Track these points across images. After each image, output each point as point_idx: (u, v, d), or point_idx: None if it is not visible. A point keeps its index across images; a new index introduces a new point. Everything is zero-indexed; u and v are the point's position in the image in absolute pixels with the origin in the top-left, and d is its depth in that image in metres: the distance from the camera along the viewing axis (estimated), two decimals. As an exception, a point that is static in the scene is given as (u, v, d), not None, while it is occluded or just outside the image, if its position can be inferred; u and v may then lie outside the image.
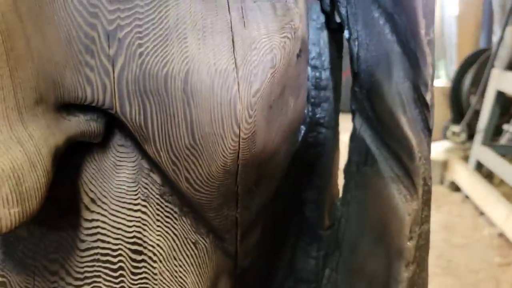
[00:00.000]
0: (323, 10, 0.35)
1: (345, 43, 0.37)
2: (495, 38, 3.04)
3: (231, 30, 0.26)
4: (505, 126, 2.66)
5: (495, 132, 2.65)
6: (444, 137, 2.97)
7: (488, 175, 2.53)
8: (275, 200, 0.34)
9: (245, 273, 0.32)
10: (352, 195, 0.35)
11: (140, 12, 0.26)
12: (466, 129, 2.78)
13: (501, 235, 2.01)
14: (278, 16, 0.27)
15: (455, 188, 2.56)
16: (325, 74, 0.37)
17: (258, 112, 0.26)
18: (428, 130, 0.29)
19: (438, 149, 2.79)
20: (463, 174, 2.48)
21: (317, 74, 0.36)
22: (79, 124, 0.26)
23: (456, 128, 2.83)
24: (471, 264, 1.82)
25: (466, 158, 2.65)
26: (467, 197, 2.42)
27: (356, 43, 0.33)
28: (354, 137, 0.34)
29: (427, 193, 0.29)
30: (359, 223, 0.33)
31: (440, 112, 3.17)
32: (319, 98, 0.36)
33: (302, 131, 0.35)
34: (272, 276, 0.37)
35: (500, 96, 2.40)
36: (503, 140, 2.65)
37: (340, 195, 0.37)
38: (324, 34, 0.36)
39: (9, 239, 0.27)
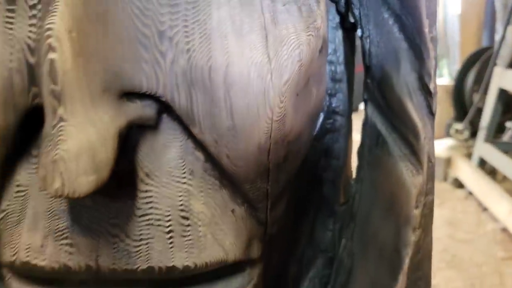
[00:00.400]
0: (338, 12, 0.39)
1: (357, 41, 0.41)
2: (497, 37, 3.07)
3: (265, 30, 0.30)
4: (508, 124, 2.70)
5: (498, 130, 2.69)
6: (448, 134, 3.01)
7: (491, 172, 2.57)
8: (297, 178, 0.39)
9: (272, 239, 0.37)
10: (365, 173, 0.39)
11: (187, 14, 0.30)
12: (469, 127, 2.81)
13: (504, 230, 2.05)
14: (304, 17, 0.32)
15: (459, 184, 2.60)
16: (340, 68, 0.41)
17: (287, 99, 0.31)
18: (431, 114, 0.34)
19: (442, 146, 2.83)
20: (466, 171, 2.52)
21: (333, 68, 0.41)
22: (137, 109, 0.31)
23: (459, 126, 2.87)
24: (475, 258, 1.86)
25: (469, 155, 2.69)
26: (470, 193, 2.46)
27: (368, 40, 0.37)
28: (366, 123, 0.39)
29: (431, 168, 0.34)
30: (371, 198, 0.38)
31: (443, 110, 3.21)
32: (335, 89, 0.41)
33: (321, 118, 0.40)
34: (294, 246, 0.42)
35: (502, 93, 2.44)
36: (506, 137, 2.69)
37: (354, 175, 0.42)
38: (339, 33, 0.41)
39: (76, 208, 0.31)
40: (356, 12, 0.37)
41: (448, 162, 2.71)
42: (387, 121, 0.36)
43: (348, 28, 0.40)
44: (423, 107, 0.34)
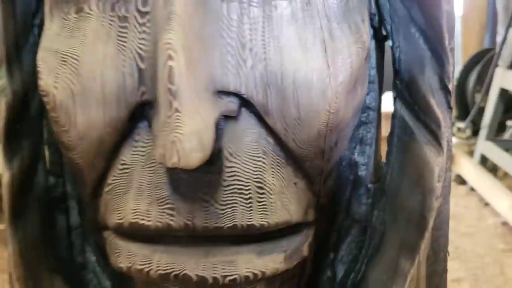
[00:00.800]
0: (372, 26, 0.49)
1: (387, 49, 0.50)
2: (499, 39, 3.15)
3: (324, 43, 0.39)
4: (509, 122, 2.78)
5: (499, 128, 2.78)
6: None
7: (492, 169, 2.66)
8: (340, 161, 0.48)
9: (322, 209, 0.46)
10: (394, 157, 0.48)
11: (264, 31, 0.39)
12: (471, 125, 2.90)
13: (505, 223, 2.14)
14: (353, 33, 0.41)
15: (461, 181, 2.69)
16: (373, 72, 0.50)
17: (341, 96, 0.40)
18: (449, 108, 0.43)
19: (445, 144, 2.92)
20: (468, 168, 2.61)
21: (367, 72, 0.50)
22: (225, 104, 0.40)
23: (461, 125, 2.95)
24: (477, 250, 1.95)
25: (471, 153, 2.77)
26: (472, 189, 2.54)
27: (398, 49, 0.46)
28: (395, 116, 0.48)
29: (449, 151, 0.43)
30: (400, 176, 0.47)
31: (446, 110, 3.30)
32: (369, 89, 0.50)
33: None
34: (334, 218, 0.51)
35: (504, 93, 2.53)
36: (507, 135, 2.77)
37: (384, 159, 0.51)
38: (372, 43, 0.50)
39: (175, 180, 0.40)
40: (388, 27, 0.46)
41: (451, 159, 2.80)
42: (413, 114, 0.45)
43: (379, 39, 0.49)
44: (443, 103, 0.43)
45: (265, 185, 0.40)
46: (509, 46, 2.34)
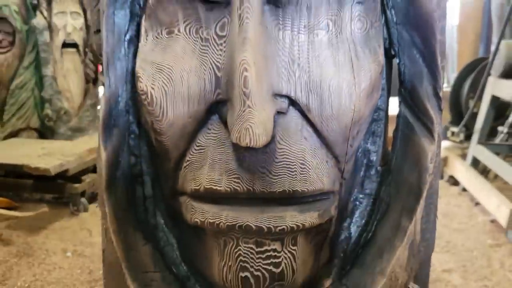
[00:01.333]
0: (384, 47, 0.64)
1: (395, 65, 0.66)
2: (493, 48, 3.32)
3: (351, 61, 0.55)
4: (500, 128, 2.95)
5: (490, 133, 2.93)
6: (445, 137, 3.26)
7: (483, 171, 2.82)
8: (358, 148, 0.63)
9: (344, 183, 0.62)
10: (398, 146, 0.64)
11: (309, 52, 0.55)
12: (464, 130, 3.05)
13: (493, 221, 2.30)
14: (372, 54, 0.57)
15: (454, 182, 2.85)
16: (383, 81, 0.66)
17: (362, 99, 0.56)
18: (440, 110, 0.59)
19: (439, 147, 3.07)
20: (461, 170, 2.76)
21: (381, 81, 0.65)
22: (279, 103, 0.55)
23: (455, 129, 3.11)
24: (467, 244, 2.11)
25: (464, 156, 2.93)
26: (464, 189, 2.70)
27: (403, 66, 0.62)
28: (400, 115, 0.64)
29: (439, 141, 0.59)
30: (402, 159, 0.62)
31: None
32: (380, 94, 0.66)
33: (371, 112, 0.64)
34: (351, 191, 0.67)
35: (495, 100, 2.69)
36: (497, 140, 2.94)
37: (390, 147, 0.67)
38: (384, 60, 0.66)
39: (240, 157, 0.55)
40: (396, 48, 0.62)
41: (445, 161, 2.96)
42: (414, 114, 0.61)
43: (389, 57, 0.64)
44: (436, 106, 0.58)
45: (305, 162, 0.56)
46: (501, 57, 2.50)
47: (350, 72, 0.55)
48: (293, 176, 0.56)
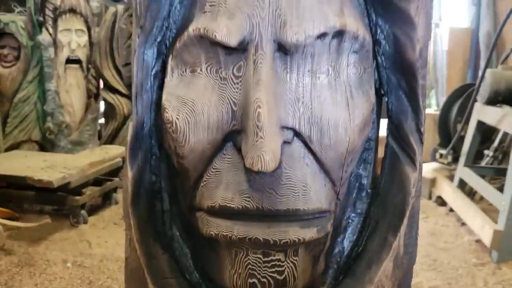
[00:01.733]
0: (374, 87, 0.75)
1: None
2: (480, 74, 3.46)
3: (347, 101, 0.65)
4: (486, 151, 3.08)
5: (477, 156, 3.05)
6: (433, 158, 3.37)
7: (470, 193, 2.93)
8: (351, 174, 0.73)
9: (338, 203, 0.71)
10: (386, 172, 0.74)
11: (311, 93, 0.65)
12: (452, 152, 3.17)
13: (478, 241, 2.40)
14: (365, 95, 0.67)
15: (441, 202, 2.95)
16: (374, 116, 0.76)
17: (356, 133, 0.66)
18: (421, 143, 0.69)
19: (427, 169, 3.17)
20: (448, 191, 2.86)
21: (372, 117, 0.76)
22: (286, 135, 0.65)
23: (443, 151, 3.23)
24: (452, 263, 2.20)
25: (451, 177, 3.02)
26: (451, 210, 2.80)
27: (391, 104, 0.72)
28: (387, 145, 0.74)
29: (421, 170, 0.69)
30: (390, 183, 0.72)
31: (430, 137, 3.59)
32: (371, 127, 0.76)
33: (362, 142, 0.74)
34: (345, 210, 0.76)
35: (480, 125, 2.81)
36: (483, 163, 3.06)
37: (379, 172, 0.77)
38: (374, 98, 0.76)
39: (251, 180, 0.65)
40: (385, 89, 0.73)
41: (433, 182, 3.07)
42: (399, 145, 0.71)
43: (379, 96, 0.75)
44: (418, 140, 0.69)
45: (307, 185, 0.65)
46: (486, 84, 2.63)
47: (346, 110, 0.65)
48: (296, 197, 0.65)
